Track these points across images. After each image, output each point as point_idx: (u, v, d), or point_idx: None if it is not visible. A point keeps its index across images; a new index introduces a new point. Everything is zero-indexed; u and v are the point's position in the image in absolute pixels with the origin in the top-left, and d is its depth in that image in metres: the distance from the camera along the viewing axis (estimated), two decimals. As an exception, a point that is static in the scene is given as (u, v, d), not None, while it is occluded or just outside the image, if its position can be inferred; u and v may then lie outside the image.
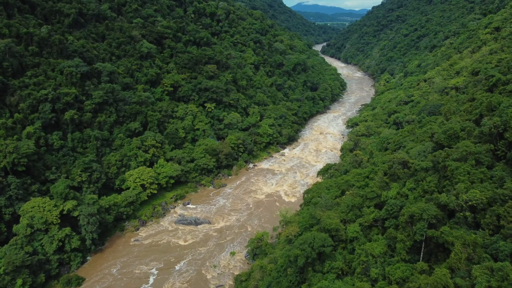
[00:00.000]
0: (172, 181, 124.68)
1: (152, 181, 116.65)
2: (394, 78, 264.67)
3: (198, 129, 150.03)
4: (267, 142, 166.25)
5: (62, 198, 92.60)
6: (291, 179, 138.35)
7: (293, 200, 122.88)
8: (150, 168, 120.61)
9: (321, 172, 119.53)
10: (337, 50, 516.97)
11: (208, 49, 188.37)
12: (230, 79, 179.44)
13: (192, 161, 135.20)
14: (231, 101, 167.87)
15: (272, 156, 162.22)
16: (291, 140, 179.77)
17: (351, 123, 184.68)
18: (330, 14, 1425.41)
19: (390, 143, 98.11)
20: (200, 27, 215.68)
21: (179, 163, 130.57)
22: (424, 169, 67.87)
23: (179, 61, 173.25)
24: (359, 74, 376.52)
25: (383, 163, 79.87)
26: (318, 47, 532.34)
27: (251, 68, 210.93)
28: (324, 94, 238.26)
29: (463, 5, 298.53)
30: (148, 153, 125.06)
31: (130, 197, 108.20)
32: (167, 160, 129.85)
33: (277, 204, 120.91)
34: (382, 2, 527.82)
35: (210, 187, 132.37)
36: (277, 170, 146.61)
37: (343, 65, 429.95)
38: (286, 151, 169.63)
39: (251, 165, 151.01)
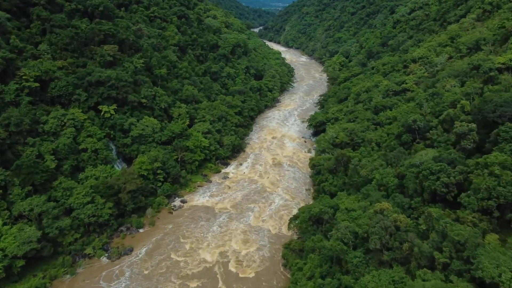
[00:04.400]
0: (21, 262, 65.96)
1: (-33, 276, 57.28)
2: (350, 61, 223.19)
3: (85, 150, 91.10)
4: (201, 160, 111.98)
5: None
6: (243, 225, 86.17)
7: (250, 275, 70.64)
8: (-33, 247, 60.81)
9: (295, 223, 69.08)
10: (276, 33, 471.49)
11: (106, 22, 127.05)
12: (142, 66, 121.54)
13: (68, 212, 76.93)
14: (143, 100, 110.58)
15: (211, 181, 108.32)
16: (236, 151, 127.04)
17: (315, 122, 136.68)
18: (261, 0, 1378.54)
19: (450, 187, 48.49)
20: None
21: (40, 222, 71.76)
22: None
23: (56, 40, 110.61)
24: (304, 58, 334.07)
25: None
26: (255, 31, 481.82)
27: (174, 51, 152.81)
28: (272, 84, 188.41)
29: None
30: (-31, 213, 64.89)
31: None
32: (14, 221, 70.36)
33: None
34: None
35: (102, 258, 75.18)
36: (219, 209, 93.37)
37: (284, 49, 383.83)
38: (230, 169, 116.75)
39: (177, 202, 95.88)
